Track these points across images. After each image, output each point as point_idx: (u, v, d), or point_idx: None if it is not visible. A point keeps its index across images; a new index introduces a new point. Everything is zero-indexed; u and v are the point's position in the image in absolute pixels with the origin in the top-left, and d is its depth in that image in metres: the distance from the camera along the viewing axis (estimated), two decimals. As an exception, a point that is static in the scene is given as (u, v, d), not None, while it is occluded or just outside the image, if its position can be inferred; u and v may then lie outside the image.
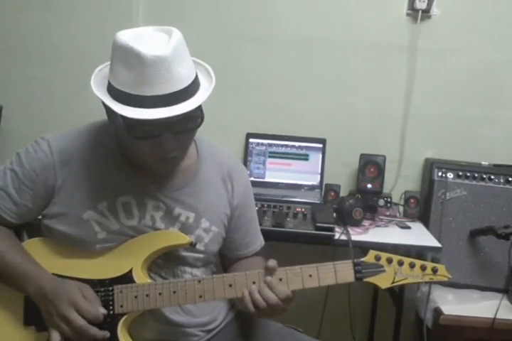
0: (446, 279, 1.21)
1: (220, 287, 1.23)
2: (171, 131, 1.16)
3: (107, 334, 1.20)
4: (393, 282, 1.21)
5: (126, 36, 1.14)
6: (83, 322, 1.17)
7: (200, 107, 1.19)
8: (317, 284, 1.22)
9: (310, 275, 1.22)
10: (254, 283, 1.22)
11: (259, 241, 1.50)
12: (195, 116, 1.19)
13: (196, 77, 1.19)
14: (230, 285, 1.23)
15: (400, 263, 1.21)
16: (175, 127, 1.16)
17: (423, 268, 1.21)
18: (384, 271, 1.21)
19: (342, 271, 1.22)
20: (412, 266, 1.21)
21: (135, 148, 1.22)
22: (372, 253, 1.23)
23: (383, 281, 1.21)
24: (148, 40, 1.13)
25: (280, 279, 1.21)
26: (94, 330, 1.18)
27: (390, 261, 1.22)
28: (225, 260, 1.49)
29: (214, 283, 1.23)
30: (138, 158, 1.26)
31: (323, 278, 1.22)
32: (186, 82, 1.15)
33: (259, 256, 1.48)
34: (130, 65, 1.11)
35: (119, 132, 1.24)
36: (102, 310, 1.21)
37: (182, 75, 1.14)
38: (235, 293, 1.23)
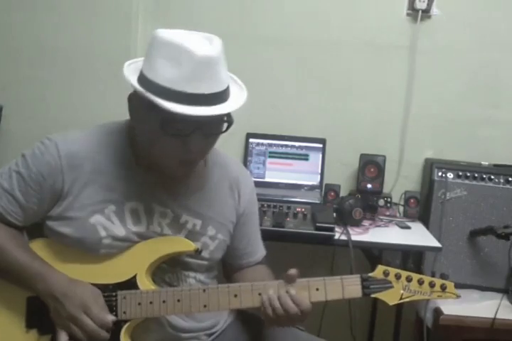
0: (454, 297, 1.20)
1: (225, 297, 1.21)
2: (201, 131, 1.17)
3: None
4: (401, 298, 1.19)
5: (171, 34, 1.15)
6: (95, 327, 1.17)
7: (229, 113, 1.20)
8: (324, 298, 1.20)
9: (317, 289, 1.20)
10: (259, 294, 1.20)
11: (261, 251, 1.49)
12: (224, 121, 1.21)
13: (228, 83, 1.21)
14: (235, 296, 1.21)
15: (409, 280, 1.19)
16: (205, 128, 1.17)
17: (432, 284, 1.19)
18: (392, 286, 1.19)
19: (349, 286, 1.20)
20: (420, 282, 1.19)
21: (159, 147, 1.20)
22: (380, 269, 1.21)
23: (391, 297, 1.19)
24: (193, 40, 1.14)
25: (286, 291, 1.19)
26: (105, 335, 1.18)
27: (398, 276, 1.20)
28: (227, 268, 1.47)
29: (219, 293, 1.22)
30: (158, 159, 1.24)
31: (330, 293, 1.20)
32: (225, 85, 1.17)
33: (262, 265, 1.47)
34: (178, 61, 1.11)
35: (145, 130, 1.23)
36: (112, 318, 1.20)
37: (223, 77, 1.17)
38: (239, 304, 1.21)
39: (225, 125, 1.22)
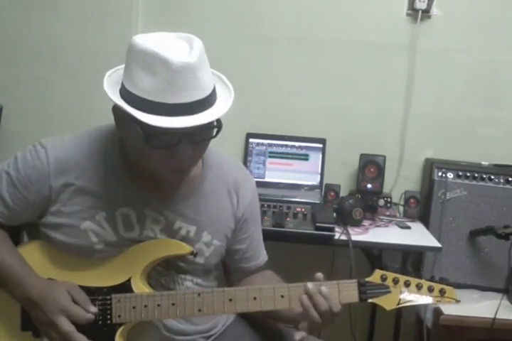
0: (454, 302, 1.17)
1: (220, 301, 1.20)
2: (188, 140, 1.12)
3: None
4: (399, 303, 1.17)
5: (147, 41, 1.09)
6: (70, 329, 1.15)
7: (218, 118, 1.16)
8: None
9: None
10: (255, 298, 1.18)
11: (262, 257, 1.44)
12: (213, 126, 1.16)
13: (214, 85, 1.16)
14: (230, 300, 1.19)
15: (407, 284, 1.17)
16: (192, 137, 1.12)
17: (430, 289, 1.17)
18: (389, 291, 1.17)
19: (346, 291, 1.17)
20: (419, 287, 1.17)
21: (148, 158, 1.16)
22: (378, 273, 1.18)
23: (388, 303, 1.17)
24: (171, 46, 1.09)
25: (282, 296, 1.18)
26: (81, 338, 1.15)
27: (396, 281, 1.17)
28: (230, 273, 1.44)
29: (214, 297, 1.20)
30: (149, 168, 1.20)
31: None
32: (208, 91, 1.12)
33: (269, 271, 1.43)
34: (154, 71, 1.06)
35: (131, 141, 1.19)
36: (93, 309, 1.18)
37: (205, 83, 1.11)
38: (234, 308, 1.20)
39: (215, 130, 1.17)
